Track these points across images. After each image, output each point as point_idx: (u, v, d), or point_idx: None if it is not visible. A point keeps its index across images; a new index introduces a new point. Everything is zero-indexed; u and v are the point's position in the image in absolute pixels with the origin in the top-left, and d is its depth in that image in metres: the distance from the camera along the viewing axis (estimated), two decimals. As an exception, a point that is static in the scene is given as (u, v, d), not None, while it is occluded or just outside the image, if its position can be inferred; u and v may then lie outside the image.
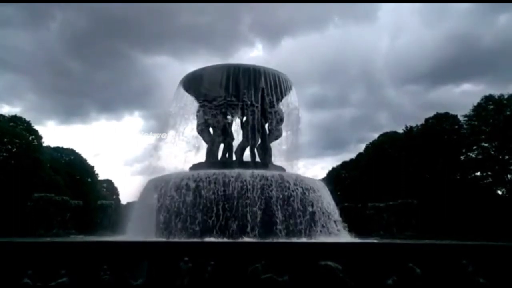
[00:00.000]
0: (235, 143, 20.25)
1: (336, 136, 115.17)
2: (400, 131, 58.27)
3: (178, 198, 15.68)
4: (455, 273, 10.10)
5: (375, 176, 52.89)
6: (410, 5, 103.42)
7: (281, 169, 19.32)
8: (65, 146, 66.37)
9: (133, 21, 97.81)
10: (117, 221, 26.89)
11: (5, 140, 46.26)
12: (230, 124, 20.79)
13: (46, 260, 9.66)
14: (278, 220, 15.19)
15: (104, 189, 76.64)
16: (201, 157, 20.22)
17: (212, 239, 13.91)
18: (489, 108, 44.40)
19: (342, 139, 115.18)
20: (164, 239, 14.55)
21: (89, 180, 66.90)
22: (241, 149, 19.82)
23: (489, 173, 45.16)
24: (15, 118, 50.38)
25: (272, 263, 9.64)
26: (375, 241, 19.33)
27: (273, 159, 20.24)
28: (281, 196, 15.58)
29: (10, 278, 9.44)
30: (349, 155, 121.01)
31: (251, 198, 15.14)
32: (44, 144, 53.98)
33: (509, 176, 43.86)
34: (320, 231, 16.03)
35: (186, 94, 21.21)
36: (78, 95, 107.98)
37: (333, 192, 19.41)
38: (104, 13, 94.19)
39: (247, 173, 15.97)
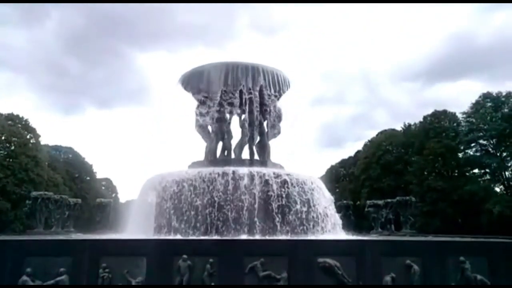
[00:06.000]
0: (234, 141, 20.22)
1: (334, 134, 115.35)
2: (398, 128, 58.44)
3: (176, 196, 15.68)
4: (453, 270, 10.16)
5: (374, 173, 53.02)
6: (408, 4, 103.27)
7: (280, 166, 19.32)
8: (63, 144, 66.30)
9: (129, 19, 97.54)
10: (116, 219, 26.86)
11: (3, 138, 46.10)
12: (229, 122, 20.76)
13: (45, 258, 9.65)
14: (275, 218, 15.20)
15: (103, 187, 76.57)
16: (200, 155, 20.25)
17: (210, 237, 13.93)
18: (487, 105, 44.46)
19: (339, 137, 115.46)
20: (162, 237, 14.56)
21: (87, 178, 66.87)
22: (240, 147, 19.79)
23: (487, 170, 45.27)
24: (12, 116, 50.09)
25: (271, 260, 9.67)
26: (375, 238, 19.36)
27: (271, 156, 20.24)
28: (278, 194, 15.58)
29: (9, 277, 9.45)
30: (347, 152, 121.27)
31: (248, 196, 15.14)
32: (42, 142, 53.80)
33: (507, 173, 43.98)
34: (318, 228, 16.05)
35: (185, 91, 21.18)
36: (76, 93, 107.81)
37: (331, 190, 19.41)
38: (101, 11, 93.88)
39: (244, 170, 15.96)
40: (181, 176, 16.23)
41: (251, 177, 15.61)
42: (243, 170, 16.01)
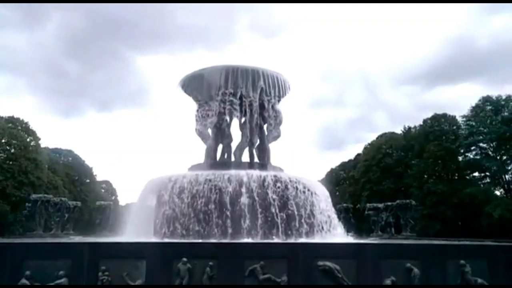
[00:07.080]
0: (234, 144, 20.24)
1: (333, 136, 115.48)
2: (398, 131, 58.49)
3: (176, 199, 15.68)
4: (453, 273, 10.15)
5: (374, 176, 53.00)
6: (407, 6, 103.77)
7: (280, 169, 19.33)
8: (63, 147, 66.23)
9: (129, 21, 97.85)
10: (116, 222, 26.85)
11: (3, 141, 46.12)
12: (229, 125, 20.76)
13: (44, 261, 9.64)
14: (275, 221, 15.19)
15: (103, 190, 76.41)
16: (200, 158, 20.28)
17: (210, 240, 13.91)
18: (487, 108, 44.59)
19: (339, 139, 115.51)
20: (162, 240, 14.54)
21: (87, 181, 66.75)
22: (240, 150, 19.81)
23: (487, 173, 45.29)
24: (13, 119, 50.08)
25: (271, 263, 9.65)
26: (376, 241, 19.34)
27: (271, 159, 20.27)
28: (278, 197, 15.58)
29: (8, 280, 9.43)
30: (347, 155, 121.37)
31: (248, 199, 15.13)
32: (42, 145, 53.76)
33: (507, 176, 44.00)
34: (318, 232, 16.03)
35: (185, 94, 21.25)
36: (76, 96, 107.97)
37: (331, 193, 19.41)
38: (101, 13, 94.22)
39: (244, 173, 15.96)
40: (182, 178, 16.12)
41: (251, 180, 15.59)
42: (244, 173, 15.97)
